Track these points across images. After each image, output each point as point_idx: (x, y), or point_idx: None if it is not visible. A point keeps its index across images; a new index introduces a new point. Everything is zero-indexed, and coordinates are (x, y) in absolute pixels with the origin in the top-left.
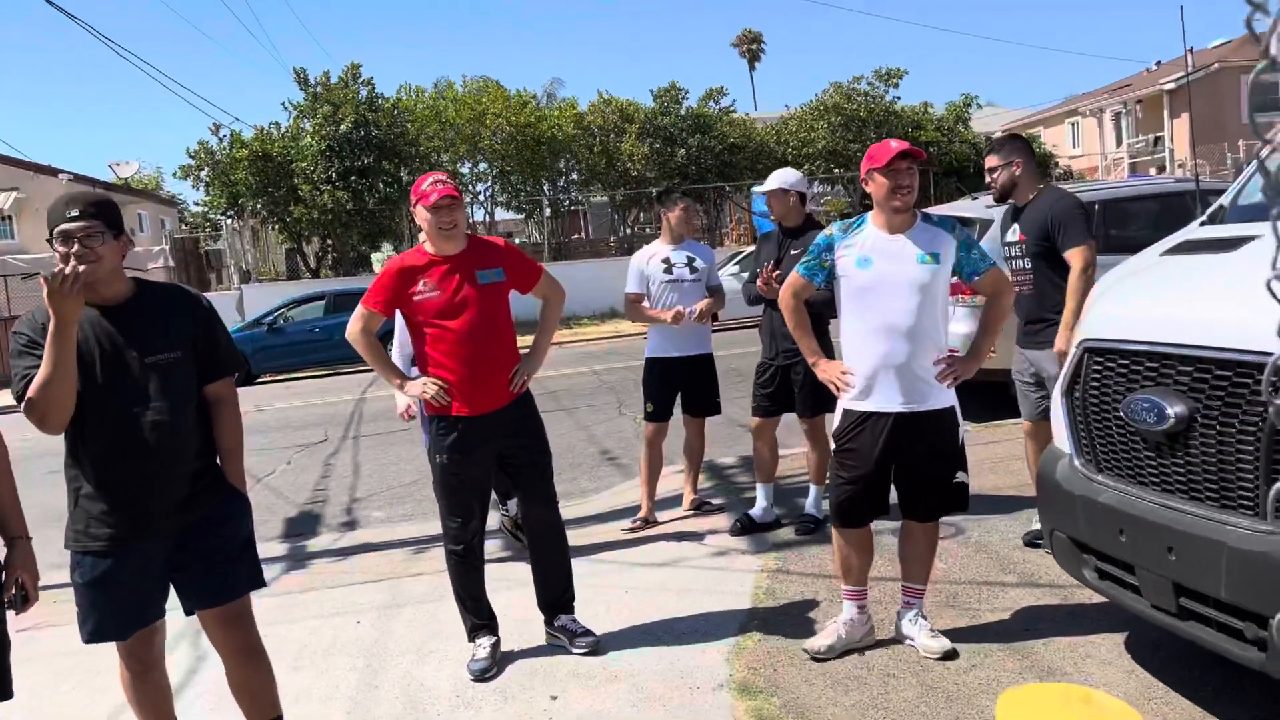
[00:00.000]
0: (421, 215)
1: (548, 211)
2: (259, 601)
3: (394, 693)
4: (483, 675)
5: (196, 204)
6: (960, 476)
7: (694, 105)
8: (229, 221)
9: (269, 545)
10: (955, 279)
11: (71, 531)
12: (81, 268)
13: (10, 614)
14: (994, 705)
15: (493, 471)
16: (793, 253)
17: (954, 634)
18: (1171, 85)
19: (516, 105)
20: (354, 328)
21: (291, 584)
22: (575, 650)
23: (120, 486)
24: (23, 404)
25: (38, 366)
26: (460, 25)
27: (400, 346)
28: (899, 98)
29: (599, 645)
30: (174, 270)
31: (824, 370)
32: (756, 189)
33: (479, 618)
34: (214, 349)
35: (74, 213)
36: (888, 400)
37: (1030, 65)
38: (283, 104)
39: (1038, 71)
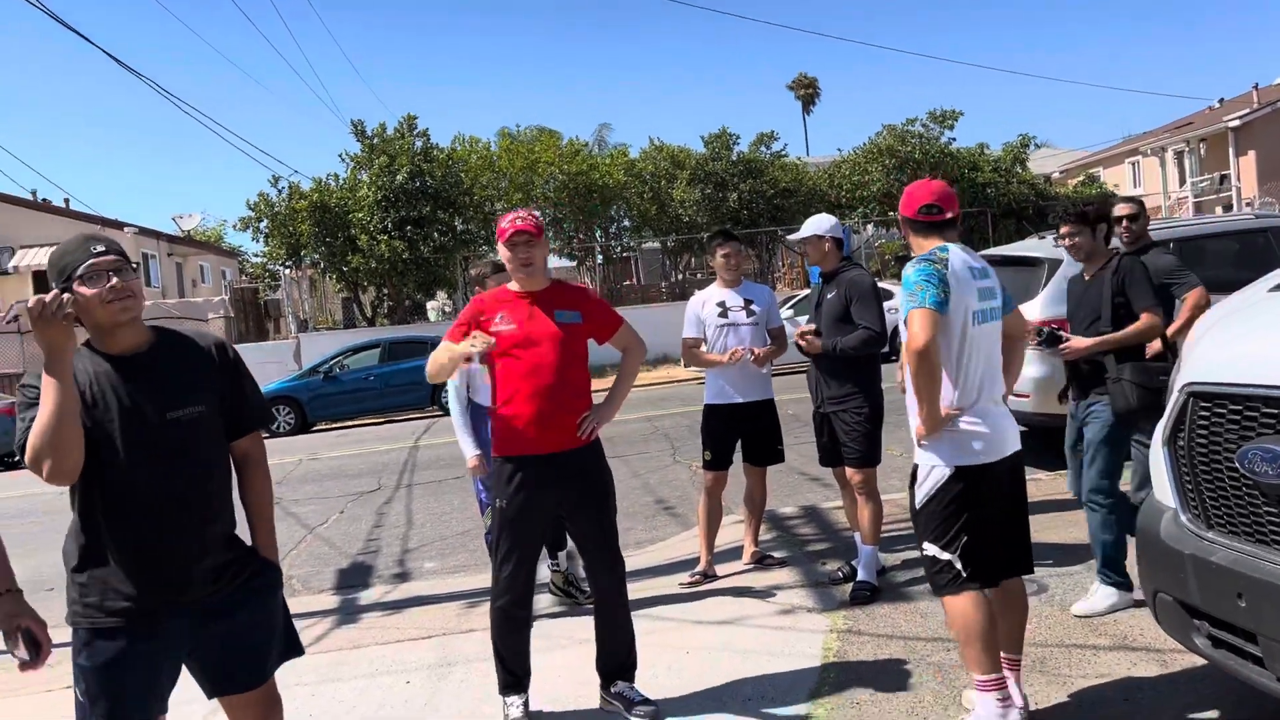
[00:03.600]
0: (502, 251)
1: (599, 258)
2: (309, 659)
3: None
4: None
5: (256, 255)
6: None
7: (745, 150)
8: (287, 272)
9: (320, 597)
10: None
11: (79, 605)
12: (65, 296)
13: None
14: None
15: (549, 522)
16: (829, 296)
17: (1045, 702)
18: (1236, 122)
19: (569, 153)
20: (433, 360)
21: (342, 640)
22: (633, 718)
23: (142, 553)
24: (26, 455)
25: None
26: (512, 75)
27: (456, 391)
28: (954, 139)
29: (658, 715)
30: (233, 320)
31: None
32: (791, 237)
33: (513, 674)
34: (240, 401)
35: (101, 248)
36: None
37: (1088, 105)
38: (340, 155)
39: (1096, 111)
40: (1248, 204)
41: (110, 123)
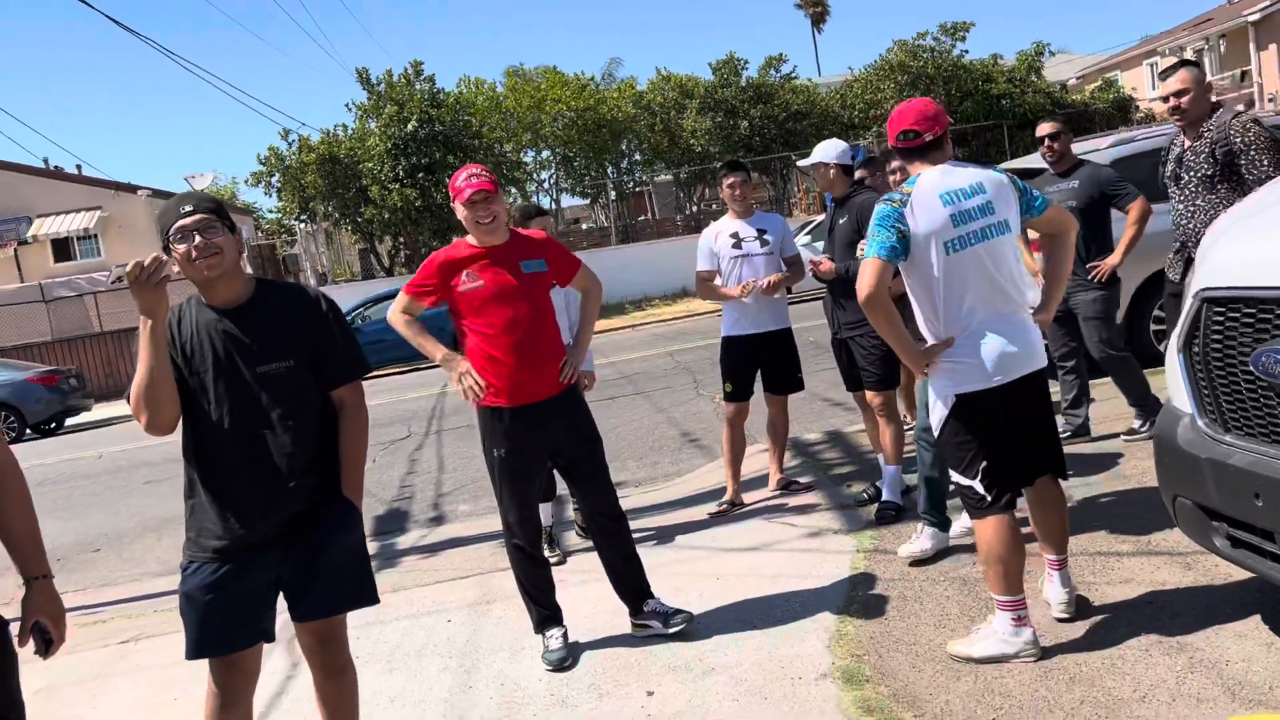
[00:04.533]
0: (460, 211)
1: (612, 194)
2: None
3: (488, 693)
4: (561, 665)
5: (270, 211)
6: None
7: (754, 75)
8: (302, 226)
9: None
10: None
11: (186, 540)
12: (165, 258)
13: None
14: (1121, 686)
15: (545, 465)
16: (840, 221)
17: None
18: (1256, 15)
19: (575, 89)
20: (394, 308)
21: (383, 584)
22: (671, 629)
23: (229, 498)
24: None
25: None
26: (516, 15)
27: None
28: (966, 51)
29: (693, 620)
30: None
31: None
32: (801, 163)
33: (545, 608)
34: (333, 354)
35: (188, 208)
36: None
37: (1103, 6)
38: (347, 105)
39: (1112, 12)
40: (1270, 99)
41: (117, 87)
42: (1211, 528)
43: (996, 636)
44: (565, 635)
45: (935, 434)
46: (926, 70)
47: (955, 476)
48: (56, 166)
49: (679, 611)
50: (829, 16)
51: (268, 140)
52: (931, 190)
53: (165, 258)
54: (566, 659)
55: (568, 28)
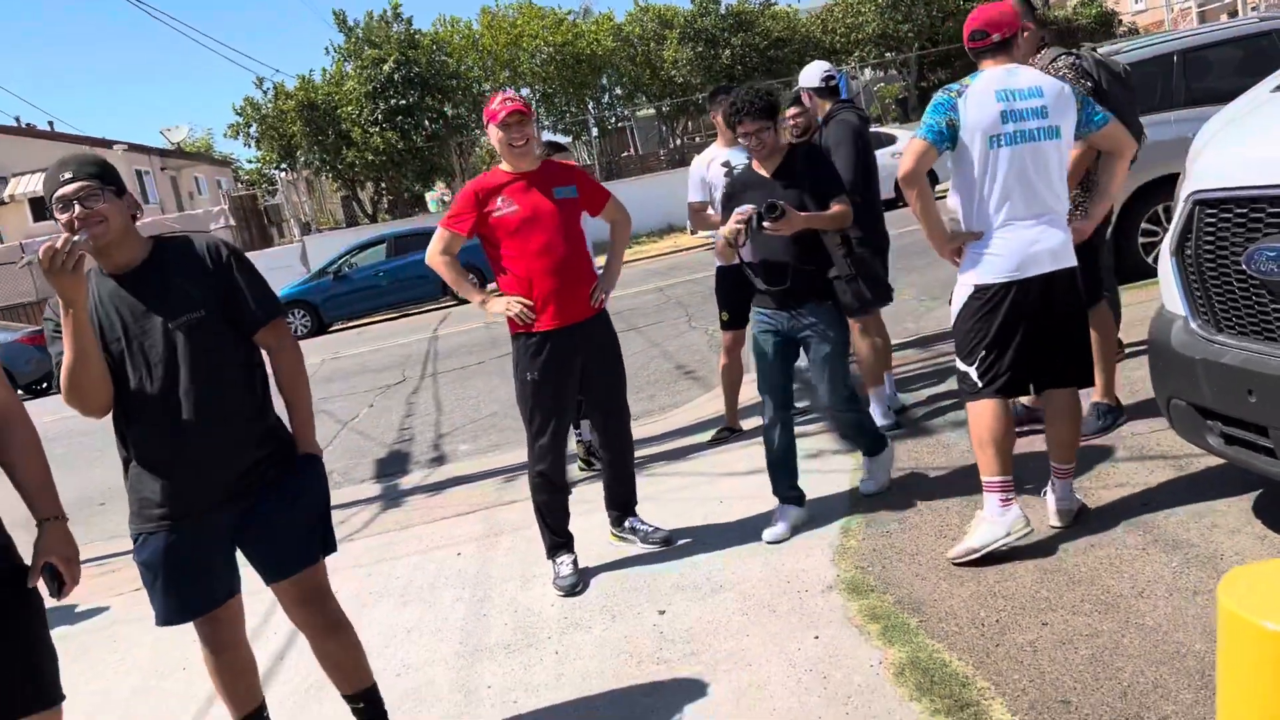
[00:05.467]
0: (493, 134)
1: (594, 131)
2: (361, 543)
3: (502, 619)
4: (572, 589)
5: (250, 161)
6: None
7: (733, 3)
8: (283, 175)
9: (362, 487)
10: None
11: (132, 514)
12: (77, 238)
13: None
14: (1119, 583)
15: (577, 389)
16: (826, 145)
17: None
18: None
19: (552, 24)
20: (433, 249)
21: (389, 522)
22: (648, 546)
23: (167, 462)
24: (62, 394)
25: None
26: None
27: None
28: None
29: (671, 538)
30: (235, 229)
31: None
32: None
33: (559, 536)
34: (241, 298)
35: (67, 175)
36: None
37: None
38: (325, 48)
39: None
40: (1253, 9)
41: (88, 42)
42: (1205, 427)
43: (986, 523)
44: (575, 562)
45: (952, 321)
46: None
47: (957, 363)
48: (29, 124)
49: (658, 529)
50: None
51: (244, 90)
52: (989, 85)
53: (76, 237)
54: (577, 584)
55: None
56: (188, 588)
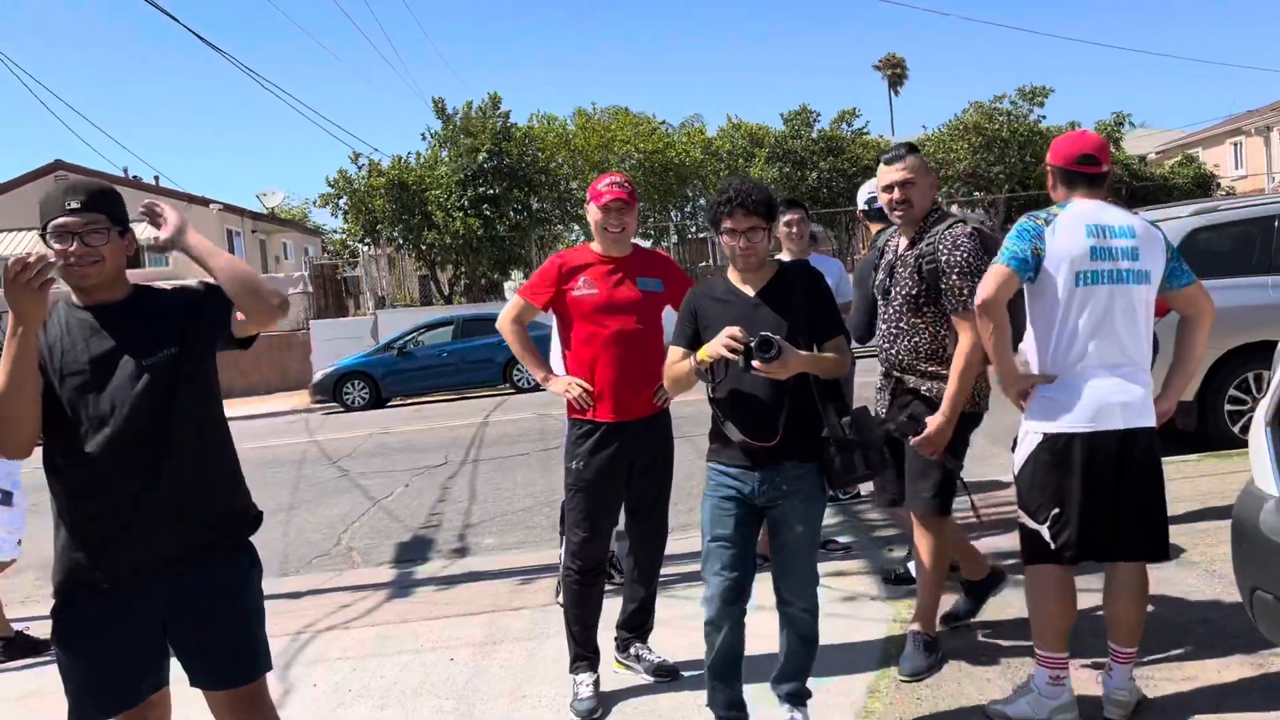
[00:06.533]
0: (592, 213)
1: (674, 238)
2: (356, 633)
3: None
4: (589, 716)
5: (336, 232)
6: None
7: (825, 128)
8: (365, 248)
9: (378, 570)
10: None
11: (54, 580)
12: (51, 258)
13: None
14: None
15: (624, 486)
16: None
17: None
18: None
19: (645, 131)
20: (506, 316)
21: (390, 614)
22: (649, 676)
23: (111, 516)
24: None
25: None
26: (595, 54)
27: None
28: (1044, 117)
29: (676, 670)
30: (312, 296)
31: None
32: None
33: (584, 648)
34: (217, 295)
35: (74, 204)
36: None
37: (1187, 82)
38: (423, 134)
39: (1196, 89)
40: None
41: (195, 100)
42: None
43: (1031, 696)
44: (597, 684)
45: (1015, 470)
46: (1002, 133)
47: (1021, 518)
48: (135, 176)
49: (663, 660)
50: (907, 78)
51: (338, 163)
52: (1080, 217)
53: (52, 259)
54: (596, 709)
55: (643, 70)
56: (107, 678)
